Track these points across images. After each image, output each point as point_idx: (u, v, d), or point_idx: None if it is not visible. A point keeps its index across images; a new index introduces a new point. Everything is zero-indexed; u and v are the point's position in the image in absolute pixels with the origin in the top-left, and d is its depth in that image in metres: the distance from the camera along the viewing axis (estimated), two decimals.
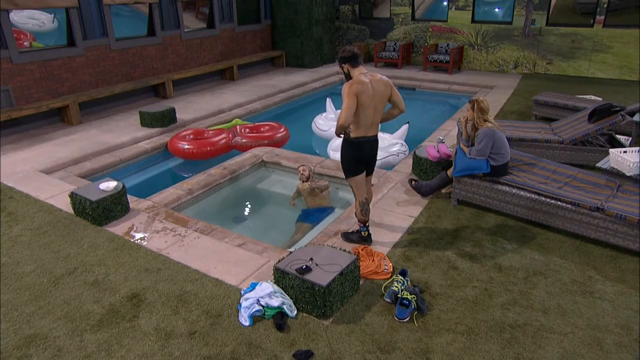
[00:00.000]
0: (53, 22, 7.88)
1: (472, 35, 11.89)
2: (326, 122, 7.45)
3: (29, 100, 7.42)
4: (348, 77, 3.63)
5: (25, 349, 2.90)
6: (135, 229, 4.32)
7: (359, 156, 3.73)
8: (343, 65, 3.61)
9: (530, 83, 10.35)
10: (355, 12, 13.38)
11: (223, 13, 11.11)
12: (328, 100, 7.97)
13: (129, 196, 4.78)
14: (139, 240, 4.11)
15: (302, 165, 5.34)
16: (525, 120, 7.46)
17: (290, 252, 3.46)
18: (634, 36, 10.13)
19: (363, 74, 3.55)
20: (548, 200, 4.11)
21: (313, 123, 7.69)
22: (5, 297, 3.39)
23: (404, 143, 6.50)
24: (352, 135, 3.65)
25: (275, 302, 3.09)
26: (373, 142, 3.76)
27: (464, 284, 3.49)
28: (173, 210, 4.78)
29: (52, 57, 7.65)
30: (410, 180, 4.96)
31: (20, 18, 7.64)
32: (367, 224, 3.98)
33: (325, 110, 7.92)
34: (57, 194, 5.01)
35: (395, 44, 12.57)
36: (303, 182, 5.25)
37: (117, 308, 3.25)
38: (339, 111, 6.38)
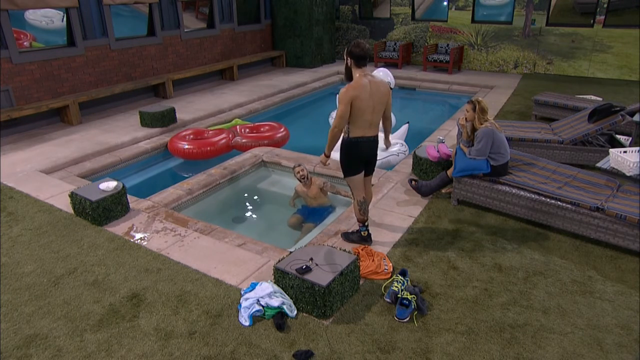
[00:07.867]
0: (62, 21, 7.85)
1: (472, 35, 11.89)
2: None
3: (29, 100, 7.41)
4: (348, 71, 3.59)
5: (25, 349, 2.90)
6: (135, 229, 4.32)
7: (358, 156, 3.73)
8: (348, 57, 3.54)
9: (530, 83, 10.35)
10: (355, 12, 13.38)
11: (223, 13, 11.11)
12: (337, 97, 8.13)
13: (129, 196, 4.78)
14: (139, 240, 4.11)
15: (299, 165, 5.11)
16: (525, 120, 7.46)
17: (290, 252, 3.47)
18: (634, 36, 10.12)
19: (364, 75, 3.52)
20: (548, 200, 4.11)
21: (330, 117, 7.97)
22: (5, 297, 3.39)
23: (404, 143, 6.50)
24: (351, 135, 3.65)
25: (275, 302, 3.09)
26: (372, 142, 3.75)
27: (464, 284, 3.49)
28: (173, 210, 4.78)
29: (52, 57, 7.65)
30: (410, 180, 4.95)
31: (36, 16, 7.65)
32: (366, 224, 3.98)
33: (335, 107, 8.05)
34: (57, 194, 5.01)
35: (395, 44, 12.57)
36: (304, 184, 5.13)
37: (117, 308, 3.25)
38: None
